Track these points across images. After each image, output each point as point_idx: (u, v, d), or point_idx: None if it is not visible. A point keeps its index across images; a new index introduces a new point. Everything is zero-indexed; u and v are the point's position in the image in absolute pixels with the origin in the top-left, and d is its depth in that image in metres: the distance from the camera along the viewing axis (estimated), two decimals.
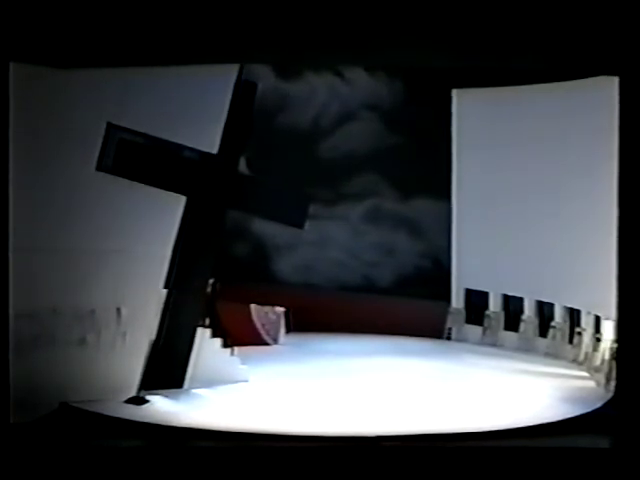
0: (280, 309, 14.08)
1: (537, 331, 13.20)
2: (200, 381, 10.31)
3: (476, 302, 14.05)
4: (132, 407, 9.48)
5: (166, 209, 10.01)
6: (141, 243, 9.85)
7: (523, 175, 13.04)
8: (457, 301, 14.32)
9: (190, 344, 10.32)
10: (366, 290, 14.89)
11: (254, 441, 8.48)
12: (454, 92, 14.12)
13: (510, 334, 13.55)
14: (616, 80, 9.34)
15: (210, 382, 10.33)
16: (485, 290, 13.92)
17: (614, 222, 9.28)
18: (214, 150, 10.17)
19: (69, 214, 9.48)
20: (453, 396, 10.26)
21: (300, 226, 10.96)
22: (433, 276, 14.64)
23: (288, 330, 14.17)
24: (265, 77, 13.36)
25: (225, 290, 11.96)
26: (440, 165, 14.16)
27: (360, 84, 14.94)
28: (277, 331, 13.91)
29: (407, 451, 8.19)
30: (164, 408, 9.55)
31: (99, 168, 9.64)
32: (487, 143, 13.71)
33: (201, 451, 8.22)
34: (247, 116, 10.42)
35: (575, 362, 12.09)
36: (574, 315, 12.49)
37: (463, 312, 14.25)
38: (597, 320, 11.52)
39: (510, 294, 13.61)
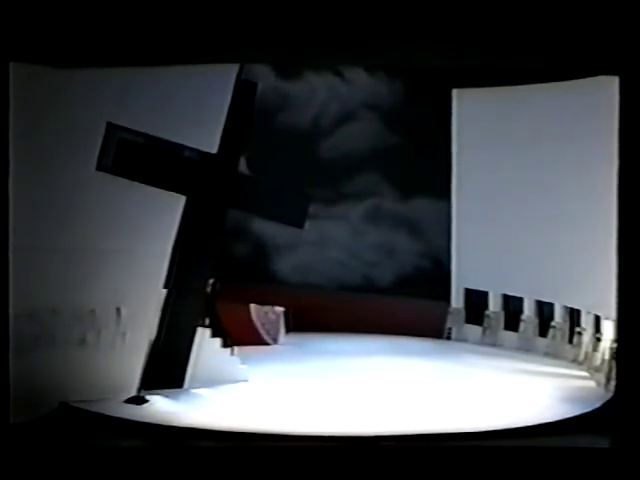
0: (280, 309, 14.09)
1: (537, 331, 13.20)
2: (200, 381, 10.31)
3: (476, 302, 14.05)
4: (132, 407, 9.48)
5: (166, 209, 10.01)
6: (141, 243, 9.85)
7: (523, 175, 13.04)
8: (457, 301, 14.32)
9: (190, 344, 10.33)
10: (366, 290, 14.90)
11: (254, 441, 8.48)
12: (454, 92, 14.13)
13: (510, 334, 13.56)
14: (616, 80, 9.34)
15: (210, 382, 10.33)
16: (485, 290, 13.93)
17: (614, 222, 9.28)
18: (214, 150, 10.17)
19: (69, 214, 9.48)
20: (453, 396, 10.26)
21: (300, 226, 10.97)
22: (433, 276, 14.64)
23: (288, 330, 14.18)
24: (265, 77, 13.34)
25: (225, 290, 11.95)
26: (440, 165, 14.17)
27: (360, 84, 14.94)
28: (277, 331, 13.92)
29: (407, 451, 8.19)
30: (164, 408, 9.54)
31: (99, 168, 9.64)
32: (487, 143, 13.71)
33: (201, 451, 8.22)
34: (247, 116, 10.42)
35: (575, 362, 12.09)
36: (574, 315, 12.50)
37: (463, 312, 14.25)
38: (597, 320, 11.53)
39: (510, 294, 13.62)
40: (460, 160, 14.18)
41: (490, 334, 13.80)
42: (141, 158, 9.94)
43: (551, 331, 12.91)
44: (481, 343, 13.76)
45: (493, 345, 13.63)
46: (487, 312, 13.89)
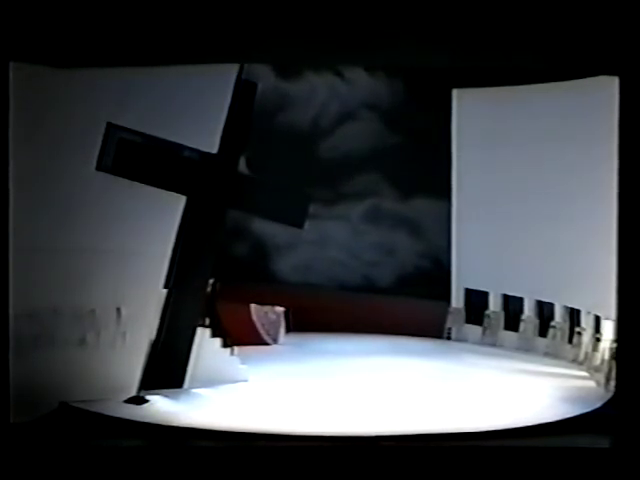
0: (280, 309, 14.09)
1: (537, 331, 13.19)
2: (200, 381, 10.31)
3: (476, 302, 14.04)
4: (132, 407, 9.48)
5: (166, 209, 10.01)
6: (141, 243, 9.85)
7: (523, 175, 13.04)
8: (457, 301, 14.31)
9: (190, 344, 10.32)
10: (366, 290, 14.89)
11: (254, 441, 8.48)
12: (454, 92, 14.11)
13: (510, 334, 13.55)
14: (616, 80, 9.34)
15: (210, 382, 10.33)
16: (485, 290, 13.92)
17: (614, 222, 9.28)
18: (214, 150, 10.17)
19: (69, 214, 9.47)
20: (453, 396, 10.26)
21: (300, 226, 10.96)
22: (433, 276, 14.64)
23: (288, 330, 14.17)
24: (265, 77, 13.33)
25: (225, 290, 11.95)
26: (440, 165, 14.16)
27: (360, 84, 14.94)
28: (277, 331, 13.91)
29: (407, 451, 8.19)
30: (164, 408, 9.54)
31: (99, 168, 9.64)
32: (487, 143, 13.70)
33: (201, 451, 8.22)
34: (247, 116, 10.41)
35: (575, 362, 12.08)
36: (574, 315, 12.49)
37: (463, 312, 14.24)
38: (597, 320, 11.52)
39: (510, 294, 13.61)
40: (460, 160, 14.18)
41: (490, 334, 13.80)
42: (141, 158, 9.94)
43: (551, 331, 12.91)
44: (481, 343, 13.75)
45: (493, 345, 13.62)
46: (487, 312, 13.88)
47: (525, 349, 13.15)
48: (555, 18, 8.84)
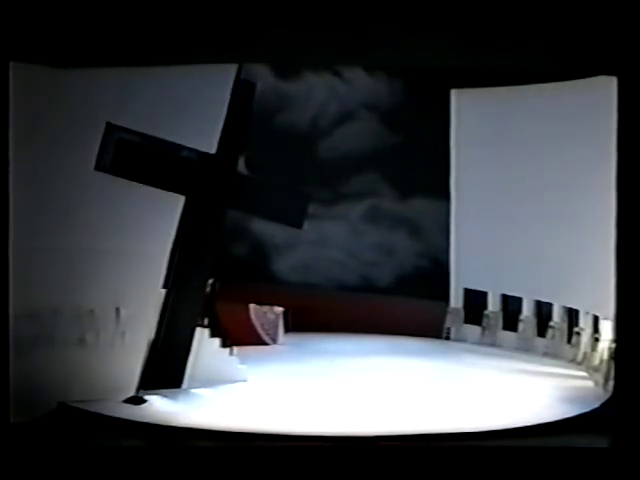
0: (279, 309, 14.08)
1: (536, 331, 13.21)
2: (199, 381, 10.31)
3: (475, 302, 14.06)
4: (131, 407, 9.48)
5: (165, 209, 10.01)
6: (140, 243, 9.85)
7: (522, 175, 13.04)
8: (456, 301, 14.32)
9: (189, 344, 10.32)
10: (365, 290, 14.90)
11: (253, 441, 8.48)
12: (453, 92, 14.12)
13: (509, 334, 13.56)
14: (615, 80, 9.35)
15: (209, 382, 10.33)
16: (484, 290, 13.93)
17: (613, 222, 9.29)
18: (213, 150, 10.17)
19: (68, 214, 9.47)
20: (452, 396, 10.26)
21: (299, 226, 10.96)
22: (432, 276, 14.65)
23: (287, 330, 14.17)
24: (264, 77, 13.36)
25: (224, 290, 11.96)
26: (439, 165, 14.16)
27: (359, 84, 14.95)
28: (276, 331, 13.91)
29: (406, 451, 8.19)
30: (163, 408, 9.54)
31: (98, 168, 9.64)
32: (486, 143, 13.71)
33: (200, 451, 8.22)
34: (246, 116, 10.41)
35: (574, 362, 12.09)
36: (573, 315, 12.50)
37: (462, 312, 14.25)
38: (596, 320, 11.53)
39: (509, 294, 13.62)
40: (459, 160, 14.19)
41: (489, 334, 13.81)
42: (140, 158, 9.94)
43: (550, 331, 12.92)
44: (480, 343, 13.76)
45: (492, 345, 13.63)
46: (486, 312, 13.89)
47: (524, 349, 13.16)
48: (554, 18, 8.85)
